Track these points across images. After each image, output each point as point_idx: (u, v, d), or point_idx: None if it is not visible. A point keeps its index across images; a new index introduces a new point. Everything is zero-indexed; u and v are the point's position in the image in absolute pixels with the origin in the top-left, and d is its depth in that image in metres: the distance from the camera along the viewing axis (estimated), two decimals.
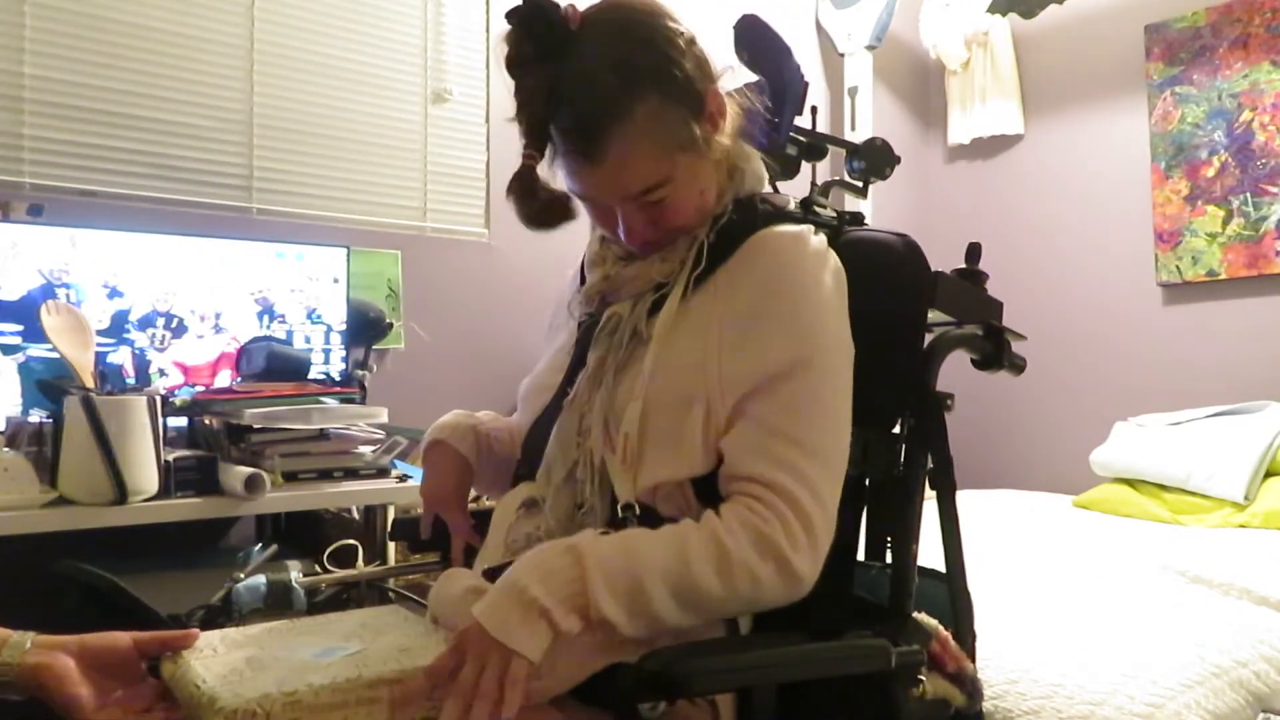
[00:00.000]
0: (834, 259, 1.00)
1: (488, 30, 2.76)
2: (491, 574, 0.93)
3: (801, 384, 0.92)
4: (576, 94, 0.92)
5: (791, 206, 1.08)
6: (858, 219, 1.15)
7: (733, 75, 1.04)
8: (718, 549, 0.85)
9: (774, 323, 0.94)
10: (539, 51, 0.93)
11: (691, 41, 0.96)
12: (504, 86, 0.98)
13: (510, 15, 0.93)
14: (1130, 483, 2.80)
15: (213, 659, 0.86)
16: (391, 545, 1.93)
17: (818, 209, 1.10)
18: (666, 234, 1.00)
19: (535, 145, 0.94)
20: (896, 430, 1.07)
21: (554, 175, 0.98)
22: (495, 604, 0.82)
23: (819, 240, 1.00)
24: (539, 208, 0.96)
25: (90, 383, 1.67)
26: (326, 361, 2.23)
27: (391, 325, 2.42)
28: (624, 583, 0.83)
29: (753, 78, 1.20)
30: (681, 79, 0.94)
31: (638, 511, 0.93)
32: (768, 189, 1.09)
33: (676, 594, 0.84)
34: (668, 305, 0.98)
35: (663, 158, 0.94)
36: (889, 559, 1.04)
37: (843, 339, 0.97)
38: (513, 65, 0.94)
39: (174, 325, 2.04)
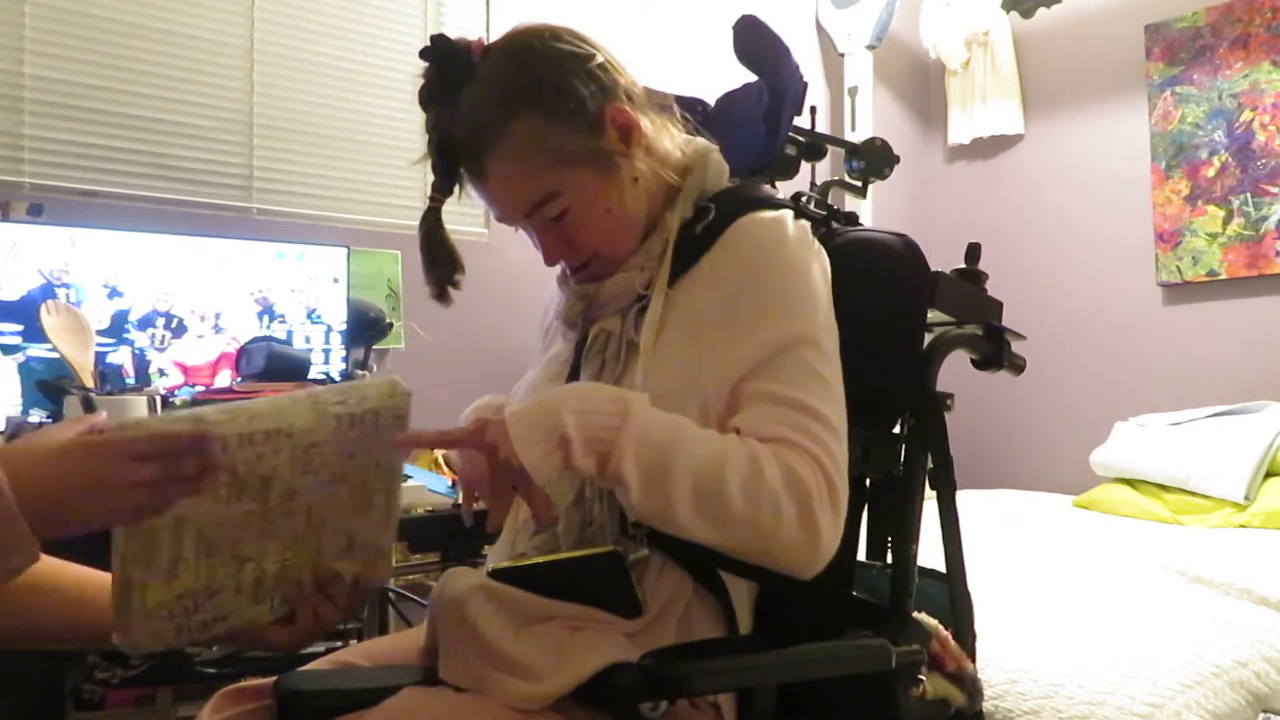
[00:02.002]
0: (816, 243, 1.00)
1: (488, 30, 2.77)
2: (497, 576, 0.93)
3: (799, 358, 0.92)
4: (464, 115, 0.97)
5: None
6: (851, 219, 1.15)
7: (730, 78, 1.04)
8: (753, 469, 0.85)
9: (762, 304, 0.94)
10: (444, 85, 0.98)
11: (588, 60, 0.97)
12: None
13: (423, 53, 0.98)
14: (1130, 483, 2.80)
15: None
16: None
17: (806, 201, 1.11)
18: (590, 256, 1.01)
19: (441, 184, 1.00)
20: (896, 430, 1.07)
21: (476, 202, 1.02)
22: (526, 415, 0.84)
23: (800, 224, 1.00)
24: (431, 253, 1.02)
25: (90, 383, 1.67)
26: (326, 361, 2.23)
27: (391, 325, 2.42)
28: (654, 454, 0.84)
29: (752, 77, 1.21)
30: (568, 97, 0.95)
31: (646, 529, 0.93)
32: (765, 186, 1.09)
33: (698, 489, 0.84)
34: (650, 313, 0.98)
35: (545, 171, 0.96)
36: (889, 559, 1.04)
37: (830, 322, 0.96)
38: (422, 101, 0.99)
39: (174, 325, 2.04)
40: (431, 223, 1.02)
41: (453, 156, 0.99)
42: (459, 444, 0.87)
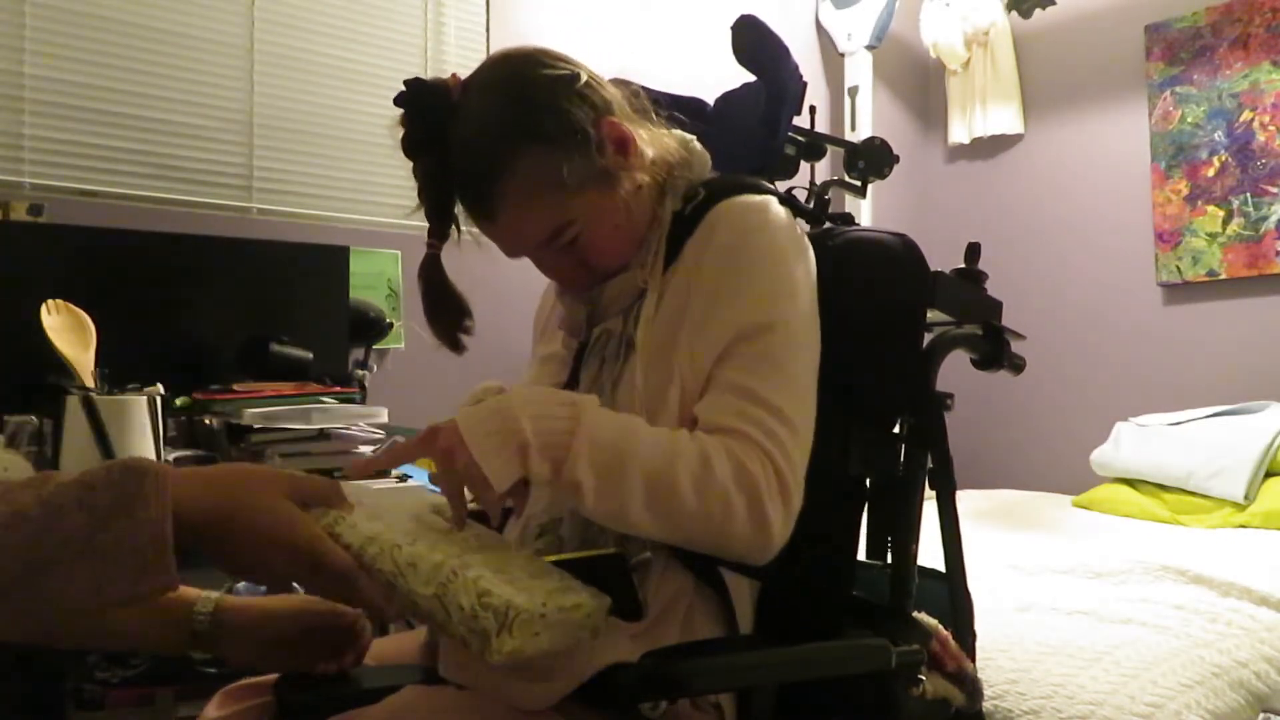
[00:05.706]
0: (798, 230, 1.00)
1: (488, 30, 2.77)
2: None
3: (765, 346, 0.91)
4: (461, 161, 0.95)
5: None
6: (846, 219, 1.15)
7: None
8: (702, 465, 0.86)
9: (736, 287, 0.94)
10: (427, 132, 0.95)
11: (573, 81, 0.95)
12: None
13: (398, 100, 0.96)
14: (1130, 483, 2.80)
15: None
16: None
17: (805, 200, 1.10)
18: (599, 273, 1.01)
19: (437, 230, 0.98)
20: (896, 430, 1.07)
21: (478, 242, 1.01)
22: (480, 417, 0.83)
23: (785, 212, 1.00)
24: (434, 301, 1.02)
25: (90, 383, 1.67)
26: (327, 361, 2.23)
27: (391, 325, 2.42)
28: (606, 456, 0.84)
29: (752, 77, 1.21)
30: (562, 123, 0.93)
31: None
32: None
33: (650, 490, 0.84)
34: (645, 309, 0.98)
35: (555, 204, 0.95)
36: (889, 559, 1.05)
37: (807, 312, 0.96)
38: (407, 150, 0.97)
39: None
40: (432, 271, 1.01)
41: (447, 201, 0.97)
42: (412, 456, 0.86)
